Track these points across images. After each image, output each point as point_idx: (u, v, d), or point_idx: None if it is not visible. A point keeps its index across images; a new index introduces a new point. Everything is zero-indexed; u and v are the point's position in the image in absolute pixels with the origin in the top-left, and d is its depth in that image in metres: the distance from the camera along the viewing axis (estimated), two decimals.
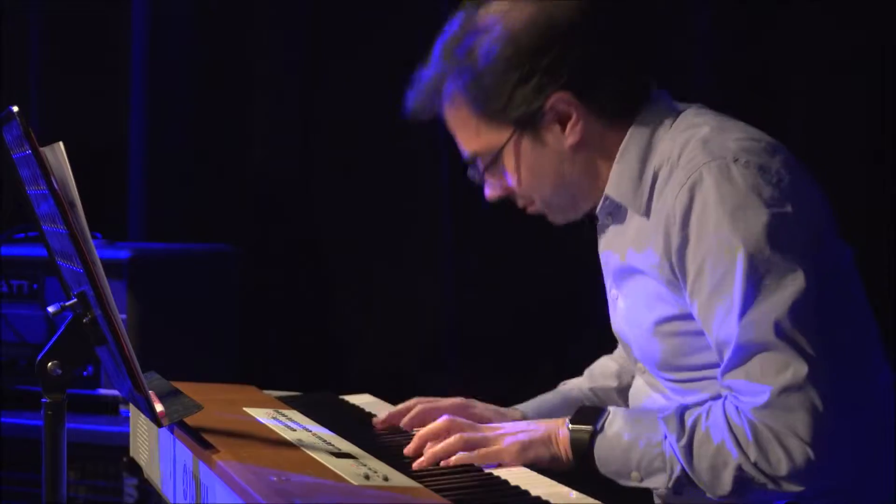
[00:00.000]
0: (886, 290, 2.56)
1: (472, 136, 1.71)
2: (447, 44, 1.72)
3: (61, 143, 1.41)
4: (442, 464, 1.60)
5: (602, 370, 1.98)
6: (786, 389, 1.47)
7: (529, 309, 2.92)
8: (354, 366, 3.08)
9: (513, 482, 1.48)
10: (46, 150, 1.41)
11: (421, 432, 1.65)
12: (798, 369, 1.47)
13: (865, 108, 2.58)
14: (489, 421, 1.78)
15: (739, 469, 1.49)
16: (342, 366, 3.09)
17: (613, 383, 1.94)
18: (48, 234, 1.56)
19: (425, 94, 1.73)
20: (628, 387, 1.88)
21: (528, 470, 1.58)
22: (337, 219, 3.12)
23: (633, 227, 1.69)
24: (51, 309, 1.47)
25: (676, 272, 1.59)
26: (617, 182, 1.68)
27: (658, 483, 1.55)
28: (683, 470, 1.52)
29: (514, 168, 1.70)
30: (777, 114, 2.65)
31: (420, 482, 1.42)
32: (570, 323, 2.86)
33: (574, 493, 1.43)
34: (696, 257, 1.55)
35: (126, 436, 2.10)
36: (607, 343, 1.95)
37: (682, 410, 1.56)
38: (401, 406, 1.85)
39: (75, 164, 1.40)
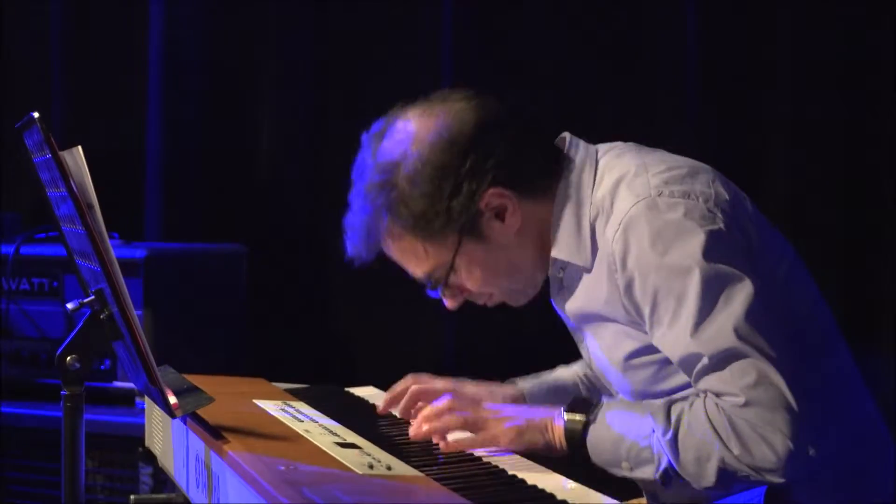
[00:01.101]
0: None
1: (421, 260, 1.73)
2: (367, 185, 1.71)
3: (80, 148, 1.43)
4: (442, 446, 1.63)
5: None
6: (757, 390, 1.51)
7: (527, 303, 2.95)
8: (359, 359, 3.10)
9: (511, 471, 1.50)
10: (65, 154, 1.43)
11: (424, 412, 1.68)
12: (764, 369, 1.51)
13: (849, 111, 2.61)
14: (481, 399, 1.81)
15: (723, 461, 1.53)
16: (348, 359, 3.12)
17: None
18: (67, 235, 1.58)
19: (362, 238, 1.74)
20: None
21: (527, 460, 1.60)
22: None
23: (583, 280, 1.72)
24: (70, 305, 1.48)
25: (631, 311, 1.63)
26: (560, 244, 1.70)
27: (647, 474, 1.58)
28: (670, 462, 1.56)
29: (469, 272, 1.72)
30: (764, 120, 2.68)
31: (422, 471, 1.44)
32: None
33: (570, 483, 1.46)
34: (645, 293, 1.59)
35: (141, 426, 2.12)
36: None
37: (670, 404, 1.59)
38: (397, 386, 1.88)
39: (93, 168, 1.42)
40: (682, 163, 1.69)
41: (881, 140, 2.64)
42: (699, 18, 2.76)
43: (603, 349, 1.74)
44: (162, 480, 2.46)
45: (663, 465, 1.57)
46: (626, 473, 1.60)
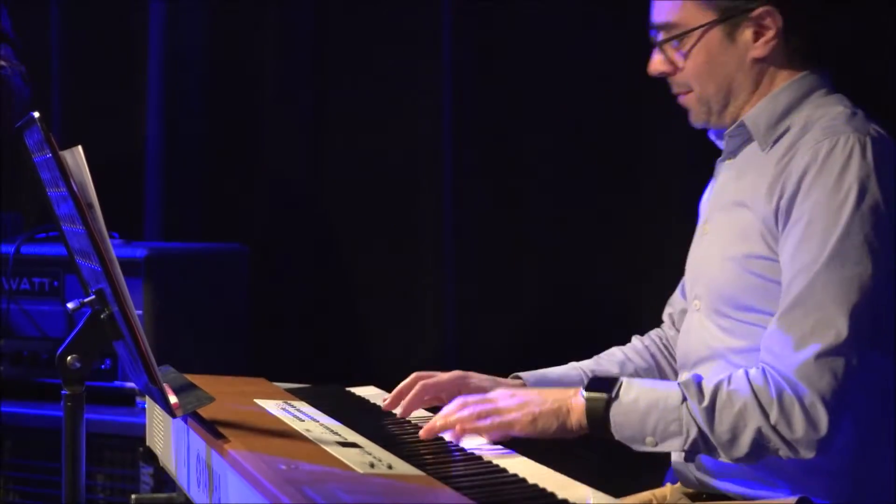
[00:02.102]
0: None
1: (674, 6, 1.77)
2: None
3: (80, 147, 1.44)
4: (447, 436, 1.63)
5: (609, 357, 2.02)
6: (825, 353, 1.54)
7: (530, 297, 2.96)
8: (360, 359, 3.11)
9: (512, 470, 1.50)
10: (66, 154, 1.43)
11: (437, 415, 1.68)
12: (841, 337, 1.55)
13: None
14: (487, 391, 1.80)
15: (759, 431, 1.55)
16: (349, 359, 3.13)
17: (615, 370, 1.98)
18: (68, 234, 1.58)
19: None
20: (627, 375, 1.93)
21: (528, 460, 1.59)
22: (345, 219, 3.16)
23: (751, 163, 1.75)
24: (70, 305, 1.48)
25: (779, 216, 1.66)
26: (757, 113, 1.75)
27: (673, 447, 1.60)
28: (700, 433, 1.57)
29: (696, 52, 1.76)
30: None
31: (423, 470, 1.44)
32: (577, 319, 2.89)
33: (572, 481, 1.45)
34: (802, 207, 1.63)
35: (142, 426, 2.12)
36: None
37: (699, 379, 1.61)
38: (403, 384, 1.88)
39: (94, 167, 1.42)
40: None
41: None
42: None
43: (725, 241, 1.75)
44: (163, 480, 2.47)
45: (693, 435, 1.58)
46: (650, 448, 1.61)
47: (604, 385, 1.65)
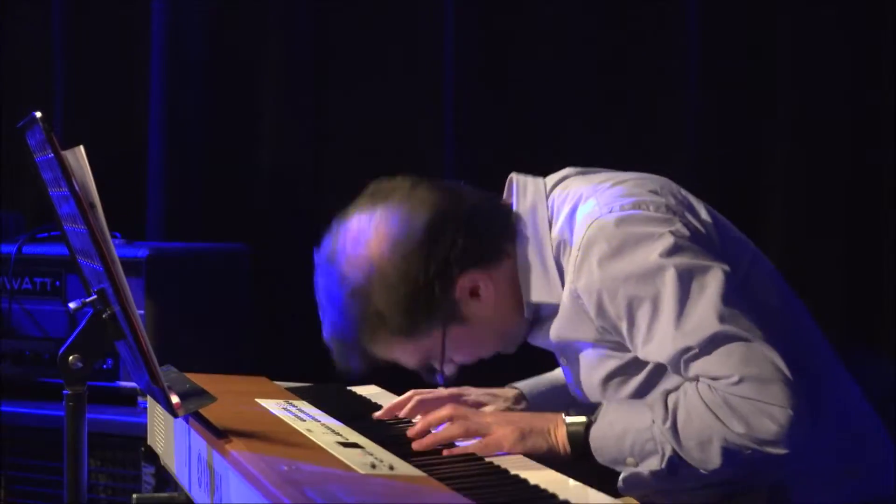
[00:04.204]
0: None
1: (411, 355, 1.76)
2: (342, 311, 1.74)
3: (82, 147, 1.44)
4: (445, 452, 1.64)
5: None
6: (748, 366, 1.54)
7: None
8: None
9: (513, 471, 1.51)
10: (68, 154, 1.43)
11: (426, 417, 1.70)
12: (752, 345, 1.55)
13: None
14: (484, 405, 1.85)
15: (725, 441, 1.55)
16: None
17: None
18: (70, 234, 1.58)
19: (351, 355, 1.77)
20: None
21: (528, 459, 1.61)
22: None
23: (558, 315, 1.74)
24: (72, 305, 1.48)
25: (607, 331, 1.66)
26: (534, 288, 1.73)
27: (653, 465, 1.60)
28: (674, 450, 1.58)
29: (459, 351, 1.76)
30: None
31: (424, 471, 1.44)
32: None
33: (571, 482, 1.46)
34: (618, 308, 1.62)
35: (144, 426, 2.13)
36: None
37: (666, 394, 1.62)
38: (398, 399, 1.90)
39: (95, 167, 1.42)
40: (628, 177, 1.73)
41: (884, 140, 2.64)
42: (700, 19, 2.76)
43: (583, 375, 1.76)
44: (164, 480, 2.47)
45: (668, 453, 1.59)
46: (633, 469, 1.62)
47: (584, 409, 1.67)
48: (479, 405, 1.87)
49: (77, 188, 1.40)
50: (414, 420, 1.83)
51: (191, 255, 2.92)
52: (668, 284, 1.58)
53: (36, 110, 1.45)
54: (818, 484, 1.67)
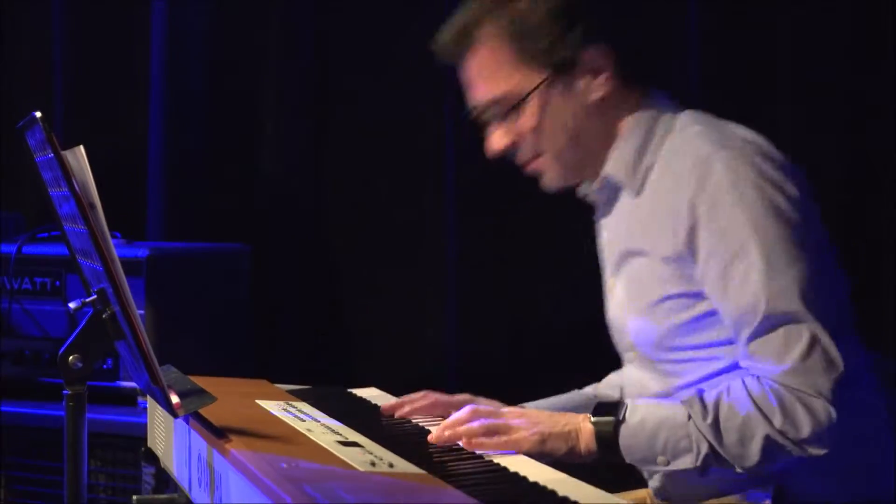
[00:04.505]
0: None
1: (501, 78, 1.71)
2: None
3: (82, 147, 1.44)
4: (463, 443, 1.63)
5: (608, 382, 2.02)
6: (806, 355, 1.54)
7: (532, 299, 2.96)
8: (362, 360, 3.12)
9: (512, 469, 1.50)
10: (68, 154, 1.43)
11: (446, 421, 1.68)
12: (818, 334, 1.55)
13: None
14: (500, 406, 1.81)
15: (766, 438, 1.55)
16: (350, 360, 3.13)
17: (616, 394, 1.97)
18: (70, 234, 1.59)
19: (459, 33, 1.72)
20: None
21: (529, 458, 1.60)
22: (346, 219, 3.16)
23: (630, 211, 1.73)
24: (72, 305, 1.48)
25: (685, 252, 1.64)
26: (615, 163, 1.73)
27: (685, 464, 1.60)
28: (711, 447, 1.58)
29: (538, 114, 1.71)
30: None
31: (424, 469, 1.44)
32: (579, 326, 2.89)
33: (571, 479, 1.45)
34: (707, 237, 1.61)
35: (144, 426, 2.12)
36: (612, 363, 2.00)
37: (701, 393, 1.61)
38: (412, 395, 1.88)
39: (95, 167, 1.42)
40: (756, 134, 1.71)
41: (885, 140, 2.64)
42: (700, 19, 2.77)
43: (634, 292, 1.73)
44: (164, 480, 2.45)
45: (703, 450, 1.59)
46: (662, 468, 1.62)
47: (610, 409, 1.65)
48: (496, 405, 1.84)
49: (77, 188, 1.40)
50: (414, 420, 1.84)
51: (191, 255, 2.92)
52: (762, 239, 1.57)
53: (36, 110, 1.45)
54: (820, 481, 1.67)
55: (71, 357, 1.46)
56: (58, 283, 2.75)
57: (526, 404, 1.94)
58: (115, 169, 3.10)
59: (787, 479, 1.66)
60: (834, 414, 1.54)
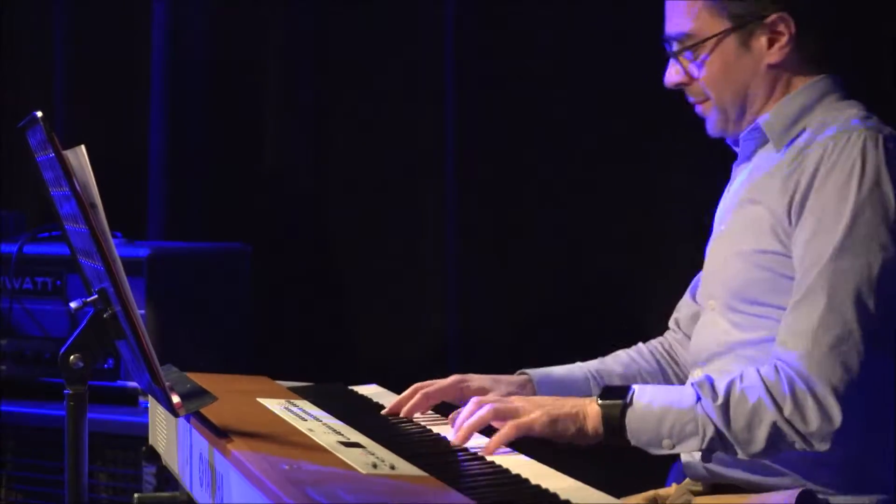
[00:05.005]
0: None
1: (688, 16, 1.78)
2: None
3: (83, 147, 1.44)
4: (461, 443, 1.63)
5: (614, 357, 2.03)
6: (834, 345, 1.56)
7: (532, 295, 2.96)
8: (363, 358, 3.12)
9: (514, 471, 1.50)
10: (69, 153, 1.43)
11: (458, 421, 1.68)
12: (850, 328, 1.57)
13: None
14: (487, 391, 1.84)
15: (774, 426, 1.57)
16: (351, 358, 3.13)
17: (619, 369, 1.99)
18: (71, 234, 1.59)
19: None
20: (631, 376, 1.96)
21: (531, 460, 1.60)
22: (347, 218, 3.17)
23: (766, 162, 1.77)
24: (73, 305, 1.48)
25: (792, 212, 1.67)
26: (773, 116, 1.77)
27: (691, 447, 1.61)
28: (717, 431, 1.59)
29: (712, 61, 1.78)
30: None
31: (426, 471, 1.43)
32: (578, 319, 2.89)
33: (573, 482, 1.45)
34: (814, 202, 1.64)
35: (145, 425, 2.12)
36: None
37: (712, 379, 1.63)
38: (402, 395, 1.89)
39: (96, 167, 1.42)
40: None
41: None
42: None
43: (738, 236, 1.76)
44: (165, 479, 2.47)
45: (709, 434, 1.60)
46: (667, 451, 1.63)
47: (617, 392, 1.67)
48: (482, 391, 1.86)
49: (78, 188, 1.40)
50: (414, 419, 1.83)
51: (191, 254, 2.92)
52: (847, 224, 1.60)
53: (37, 110, 1.45)
54: (821, 476, 1.67)
55: (72, 357, 1.46)
56: (59, 282, 2.75)
57: (527, 370, 1.94)
58: (115, 168, 3.09)
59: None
60: (841, 413, 1.54)
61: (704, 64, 1.78)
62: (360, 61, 3.14)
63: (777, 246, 1.70)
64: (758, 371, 1.61)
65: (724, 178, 1.94)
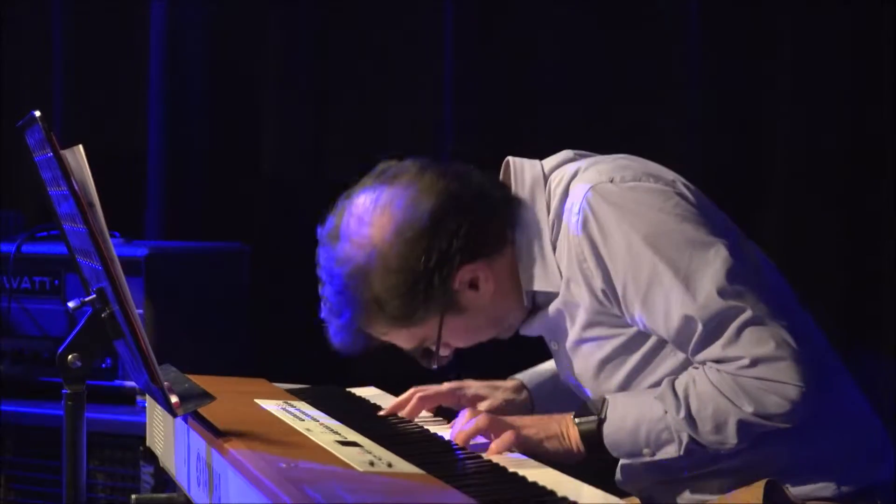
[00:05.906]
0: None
1: (406, 340, 1.77)
2: (340, 291, 1.72)
3: (81, 147, 1.44)
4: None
5: None
6: (758, 347, 1.56)
7: None
8: (361, 360, 3.11)
9: (511, 469, 1.50)
10: (67, 153, 1.43)
11: (456, 434, 1.68)
12: (759, 324, 1.56)
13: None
14: (484, 398, 1.87)
15: (740, 422, 1.58)
16: (349, 360, 3.13)
17: None
18: (69, 233, 1.59)
19: (347, 336, 1.77)
20: None
21: (527, 458, 1.61)
22: None
23: (556, 300, 1.73)
24: (71, 304, 1.48)
25: (608, 301, 1.65)
26: (534, 278, 1.71)
27: (670, 453, 1.62)
28: (690, 437, 1.61)
29: (456, 338, 1.76)
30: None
31: (423, 469, 1.44)
32: None
33: (568, 479, 1.46)
34: (619, 275, 1.61)
35: (143, 425, 2.13)
36: None
37: (672, 382, 1.63)
38: (400, 398, 1.90)
39: (94, 166, 1.43)
40: (629, 160, 1.72)
41: (886, 142, 2.64)
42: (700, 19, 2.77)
43: (577, 360, 1.75)
44: (163, 480, 2.47)
45: (685, 440, 1.61)
46: (649, 459, 1.64)
47: (591, 409, 1.67)
48: (479, 398, 1.87)
49: (76, 187, 1.40)
50: (415, 419, 1.84)
51: (190, 254, 2.92)
52: (665, 258, 1.58)
53: (35, 109, 1.45)
54: (818, 471, 1.67)
55: (70, 356, 1.46)
56: (57, 282, 2.75)
57: (517, 376, 1.95)
58: (114, 168, 3.10)
59: (784, 472, 1.67)
60: (804, 388, 1.54)
61: (454, 343, 1.77)
62: (359, 61, 3.14)
63: (612, 342, 1.68)
64: (705, 374, 1.60)
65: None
